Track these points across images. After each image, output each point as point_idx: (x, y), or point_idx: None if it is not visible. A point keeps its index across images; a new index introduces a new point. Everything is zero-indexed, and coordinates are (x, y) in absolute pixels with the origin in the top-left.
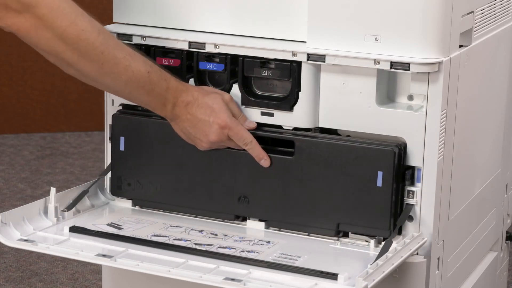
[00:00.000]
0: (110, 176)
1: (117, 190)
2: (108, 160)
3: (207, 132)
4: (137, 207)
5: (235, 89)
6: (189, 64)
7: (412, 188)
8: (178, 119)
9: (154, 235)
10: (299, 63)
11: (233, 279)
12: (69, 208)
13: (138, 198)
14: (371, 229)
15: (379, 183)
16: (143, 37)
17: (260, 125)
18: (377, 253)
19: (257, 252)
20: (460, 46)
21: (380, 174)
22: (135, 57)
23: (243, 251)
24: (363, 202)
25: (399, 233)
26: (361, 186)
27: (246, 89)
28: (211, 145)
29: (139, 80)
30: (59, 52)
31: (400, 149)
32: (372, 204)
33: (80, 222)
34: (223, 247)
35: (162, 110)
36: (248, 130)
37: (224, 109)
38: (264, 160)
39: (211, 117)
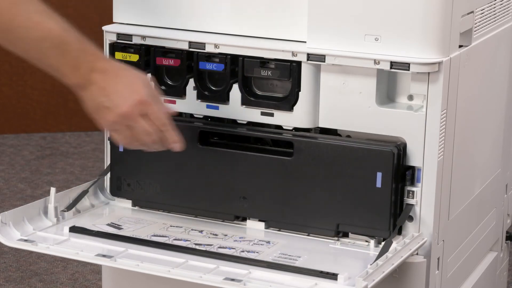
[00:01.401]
0: (109, 176)
1: (117, 191)
2: (108, 160)
3: (120, 103)
4: (137, 207)
5: (235, 89)
6: (189, 64)
7: (412, 188)
8: (92, 85)
9: (154, 235)
10: (299, 63)
11: (233, 279)
12: (69, 208)
13: (138, 199)
14: (371, 230)
15: (379, 184)
16: (143, 37)
17: (260, 125)
18: (377, 253)
19: (257, 252)
20: (460, 46)
21: (379, 175)
22: (52, 16)
23: (243, 251)
24: (363, 203)
25: (399, 233)
26: (361, 186)
27: (246, 89)
28: (117, 121)
29: (53, 39)
30: None
31: (400, 150)
32: (371, 205)
33: (80, 222)
34: (223, 247)
35: (74, 75)
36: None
37: (146, 84)
38: (177, 144)
39: (131, 89)
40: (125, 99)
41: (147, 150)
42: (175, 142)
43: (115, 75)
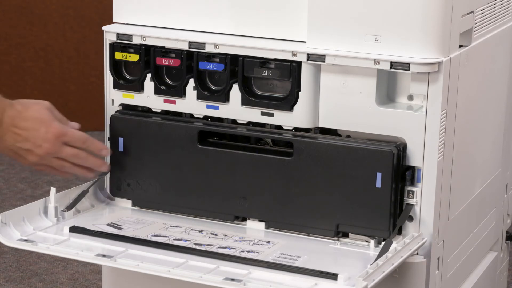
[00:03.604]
0: (109, 176)
1: (117, 191)
2: (108, 160)
3: (41, 143)
4: (137, 207)
5: (235, 89)
6: (189, 64)
7: (412, 188)
8: (5, 136)
9: (154, 235)
10: (299, 63)
11: (233, 279)
12: (69, 208)
13: (138, 199)
14: (371, 230)
15: (378, 184)
16: (143, 37)
17: (260, 125)
18: (377, 253)
19: (257, 252)
20: (460, 46)
21: (379, 175)
22: None
23: (243, 251)
24: (362, 203)
25: (399, 233)
26: (360, 187)
27: (246, 89)
28: (42, 157)
29: None
30: None
31: (399, 150)
32: (371, 205)
33: (80, 222)
34: (223, 247)
35: None
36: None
37: (52, 117)
38: (104, 149)
39: (43, 127)
40: (43, 138)
41: (81, 174)
42: (102, 149)
43: (23, 119)
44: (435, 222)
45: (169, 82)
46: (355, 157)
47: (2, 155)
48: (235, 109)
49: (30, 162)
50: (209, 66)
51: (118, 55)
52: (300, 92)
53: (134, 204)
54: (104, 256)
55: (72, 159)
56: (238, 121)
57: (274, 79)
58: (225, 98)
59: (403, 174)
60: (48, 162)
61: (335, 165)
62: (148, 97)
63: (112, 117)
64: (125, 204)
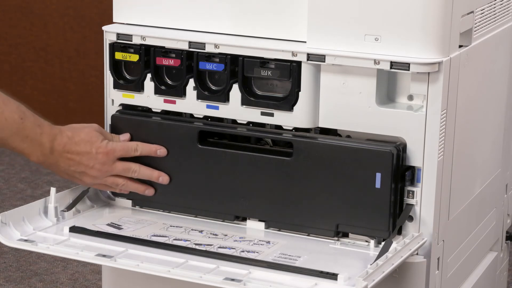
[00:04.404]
0: None
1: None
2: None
3: (93, 164)
4: (137, 207)
5: (235, 89)
6: (189, 64)
7: (412, 188)
8: (58, 162)
9: (154, 235)
10: (299, 63)
11: (233, 279)
12: (69, 208)
13: (138, 199)
14: (370, 230)
15: (378, 185)
16: (143, 37)
17: (260, 125)
18: (377, 253)
19: (257, 252)
20: (460, 46)
21: (378, 176)
22: (8, 103)
23: (243, 251)
24: (362, 204)
25: (399, 233)
26: (360, 187)
27: (246, 89)
28: (98, 177)
29: (12, 127)
30: None
31: (399, 150)
32: (371, 206)
33: (80, 222)
34: (223, 247)
35: (37, 156)
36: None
37: (100, 138)
38: (160, 149)
39: (93, 148)
40: (94, 159)
41: (136, 190)
42: (157, 149)
43: (74, 144)
44: (435, 222)
45: (169, 82)
46: (354, 158)
47: (2, 155)
48: (235, 109)
49: (86, 183)
50: (209, 66)
51: (118, 55)
52: (300, 92)
53: (134, 204)
54: (104, 256)
55: (125, 173)
56: (238, 121)
57: (274, 79)
58: (225, 98)
59: (403, 174)
60: (103, 181)
61: (334, 165)
62: (148, 97)
63: (112, 116)
64: (125, 204)
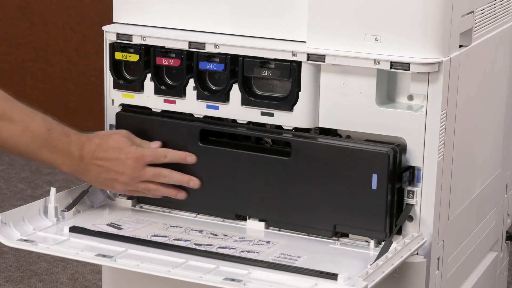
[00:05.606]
0: None
1: None
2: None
3: (123, 170)
4: (137, 207)
5: (235, 89)
6: (189, 64)
7: (412, 188)
8: (88, 170)
9: (154, 235)
10: (299, 63)
11: (233, 279)
12: (69, 208)
13: (138, 198)
14: (367, 231)
15: (374, 186)
16: (143, 37)
17: (259, 125)
18: (377, 253)
19: (257, 252)
20: (460, 46)
21: (374, 177)
22: (33, 116)
23: (243, 251)
24: (359, 205)
25: (399, 233)
26: (357, 188)
27: (246, 89)
28: (129, 183)
29: (39, 140)
30: None
31: (396, 151)
32: (367, 207)
33: (80, 222)
34: (223, 247)
35: (66, 165)
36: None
37: (129, 143)
38: (189, 156)
39: (122, 154)
40: (124, 165)
41: (168, 195)
42: (186, 156)
43: (103, 151)
44: (435, 222)
45: (169, 82)
46: (351, 158)
47: (2, 155)
48: (235, 109)
49: (117, 190)
50: (209, 66)
51: (118, 55)
52: (300, 92)
53: (134, 204)
54: (104, 256)
55: (155, 179)
56: (238, 121)
57: (274, 79)
58: (225, 98)
59: (400, 175)
60: (134, 187)
61: (332, 165)
62: (148, 97)
63: (117, 114)
64: (125, 204)
